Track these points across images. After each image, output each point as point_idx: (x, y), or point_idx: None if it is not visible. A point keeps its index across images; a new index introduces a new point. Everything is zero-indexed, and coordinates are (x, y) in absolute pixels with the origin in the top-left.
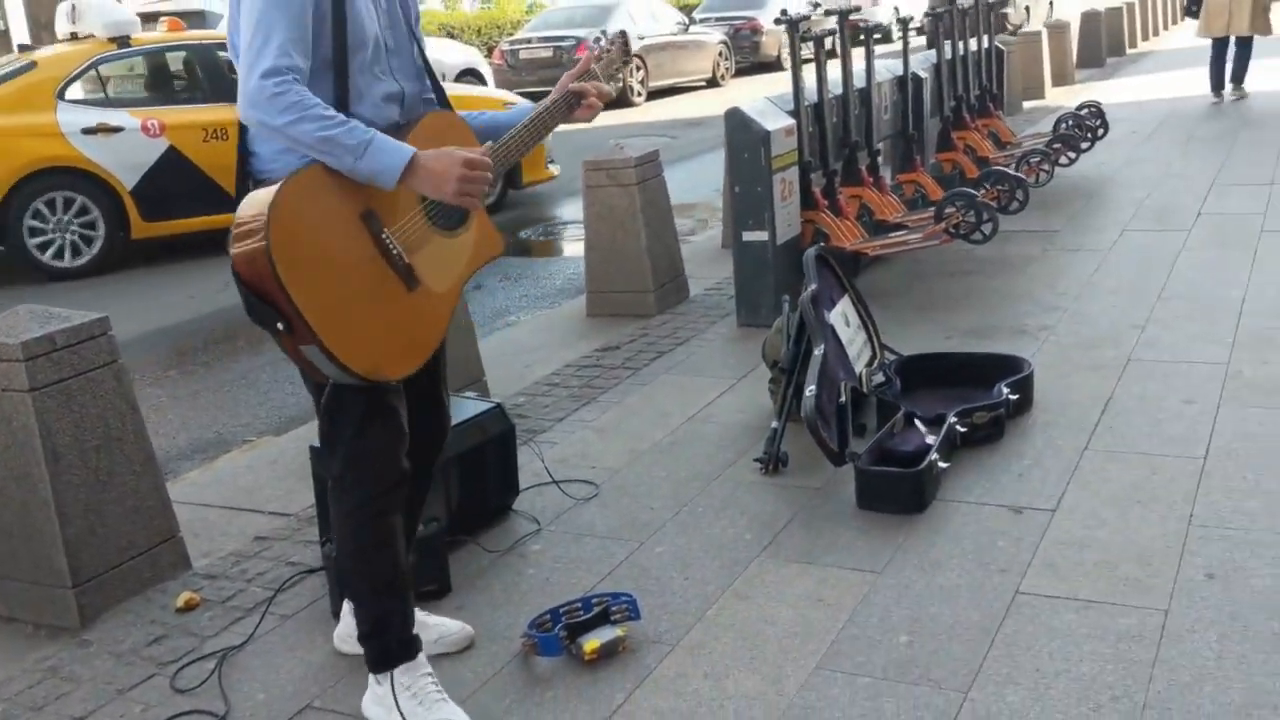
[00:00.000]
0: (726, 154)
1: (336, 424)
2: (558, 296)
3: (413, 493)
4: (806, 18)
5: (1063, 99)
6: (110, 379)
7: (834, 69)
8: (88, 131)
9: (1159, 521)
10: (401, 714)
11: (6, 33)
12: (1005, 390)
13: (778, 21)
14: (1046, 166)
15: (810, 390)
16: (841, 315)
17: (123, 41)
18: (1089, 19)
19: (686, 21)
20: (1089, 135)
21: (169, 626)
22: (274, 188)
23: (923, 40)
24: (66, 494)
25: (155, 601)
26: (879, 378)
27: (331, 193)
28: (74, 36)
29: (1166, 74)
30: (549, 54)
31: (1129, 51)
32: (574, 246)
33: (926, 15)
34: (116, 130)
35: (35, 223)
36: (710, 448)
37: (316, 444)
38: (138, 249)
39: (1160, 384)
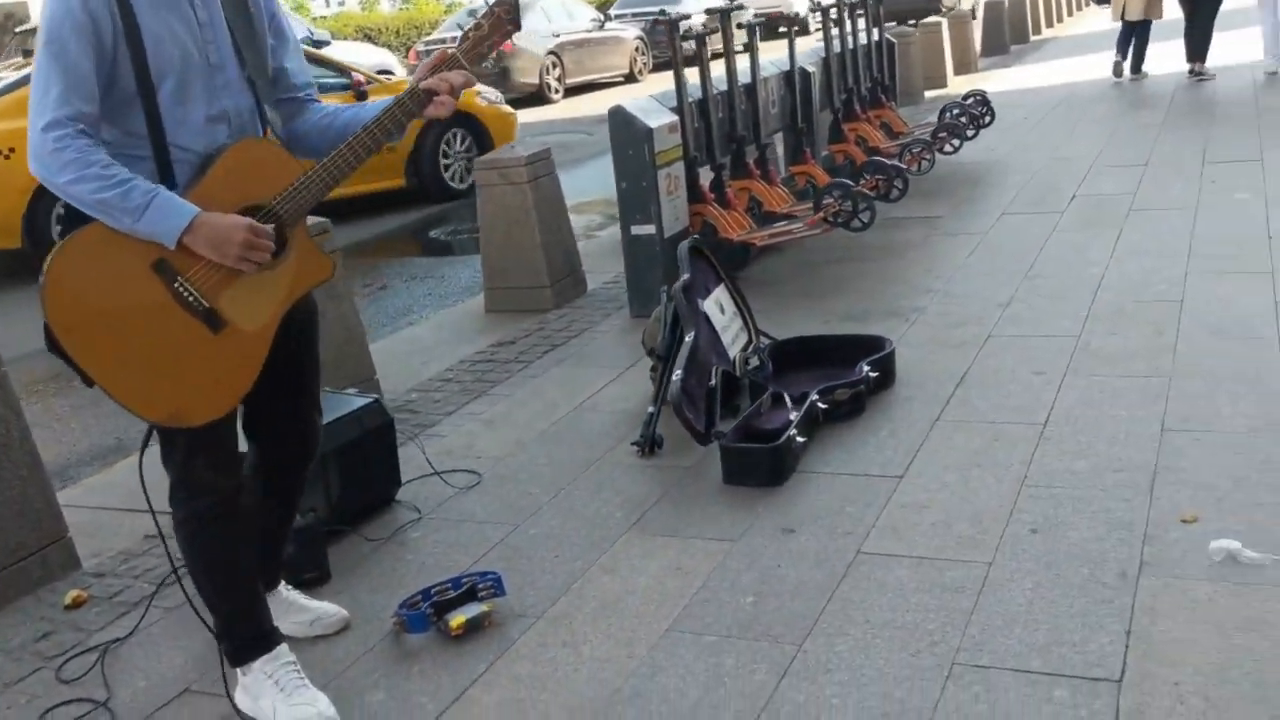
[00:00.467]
0: (612, 151)
1: (167, 448)
2: (462, 294)
3: (287, 492)
4: (729, 11)
5: (965, 88)
6: None
7: (743, 62)
8: None
9: (995, 483)
10: (263, 701)
11: (35, 30)
12: (866, 368)
13: (657, 23)
14: (928, 155)
15: (677, 375)
16: (716, 303)
17: None
18: (992, 8)
19: (602, 18)
20: (975, 124)
21: (57, 623)
22: (57, 247)
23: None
24: None
25: (45, 600)
26: (754, 361)
27: (118, 246)
28: None
29: (1067, 60)
30: None
31: (1033, 39)
32: None
33: (811, 10)
34: None
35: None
36: (593, 434)
37: None
38: None
39: (1014, 357)
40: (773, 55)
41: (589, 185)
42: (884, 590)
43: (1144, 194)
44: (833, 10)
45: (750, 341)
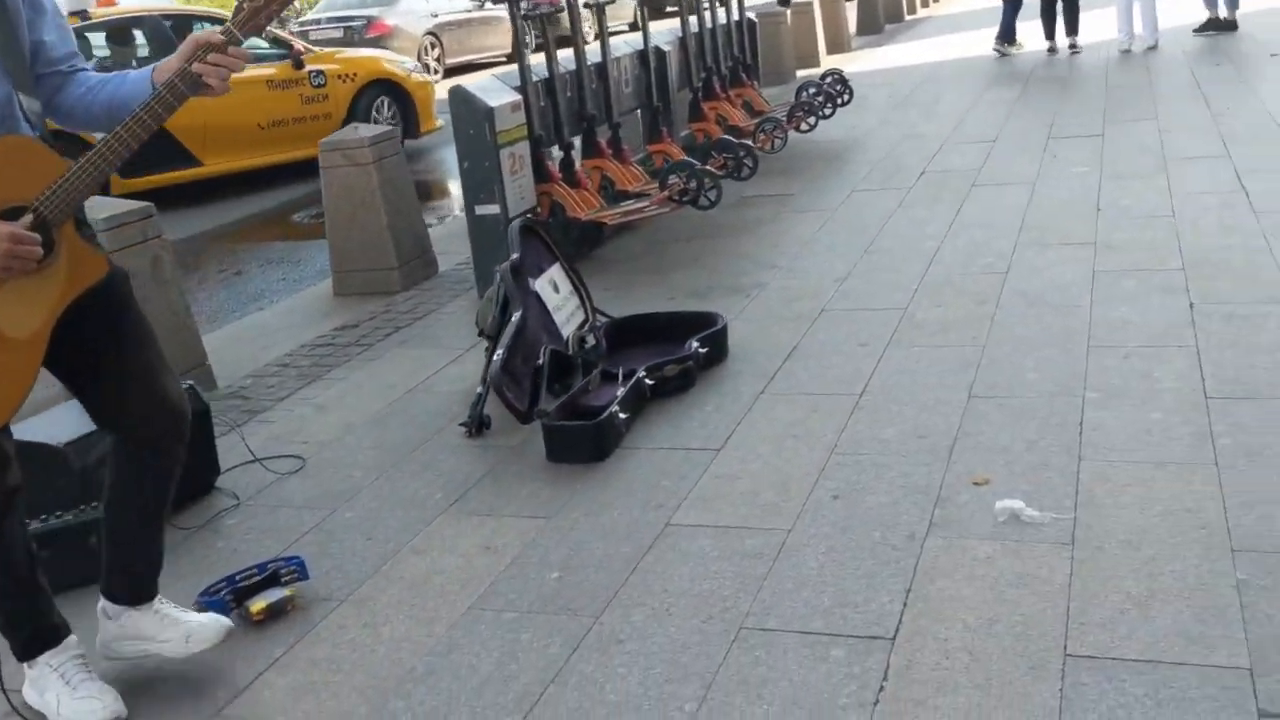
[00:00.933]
0: (454, 131)
1: None
2: (316, 278)
3: (160, 478)
4: None
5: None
6: None
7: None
8: None
9: (806, 453)
10: (48, 695)
11: None
12: (695, 344)
13: (496, 1)
14: (780, 134)
15: (499, 354)
16: (550, 282)
17: (83, 14)
18: None
19: None
20: (831, 103)
21: None
22: None
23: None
24: None
25: None
26: (590, 340)
27: None
28: None
29: (939, 38)
30: (339, 34)
31: (908, 18)
32: None
33: None
34: None
35: None
36: (425, 416)
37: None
38: None
39: (842, 330)
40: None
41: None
42: (686, 560)
43: (989, 169)
44: None
45: (586, 320)
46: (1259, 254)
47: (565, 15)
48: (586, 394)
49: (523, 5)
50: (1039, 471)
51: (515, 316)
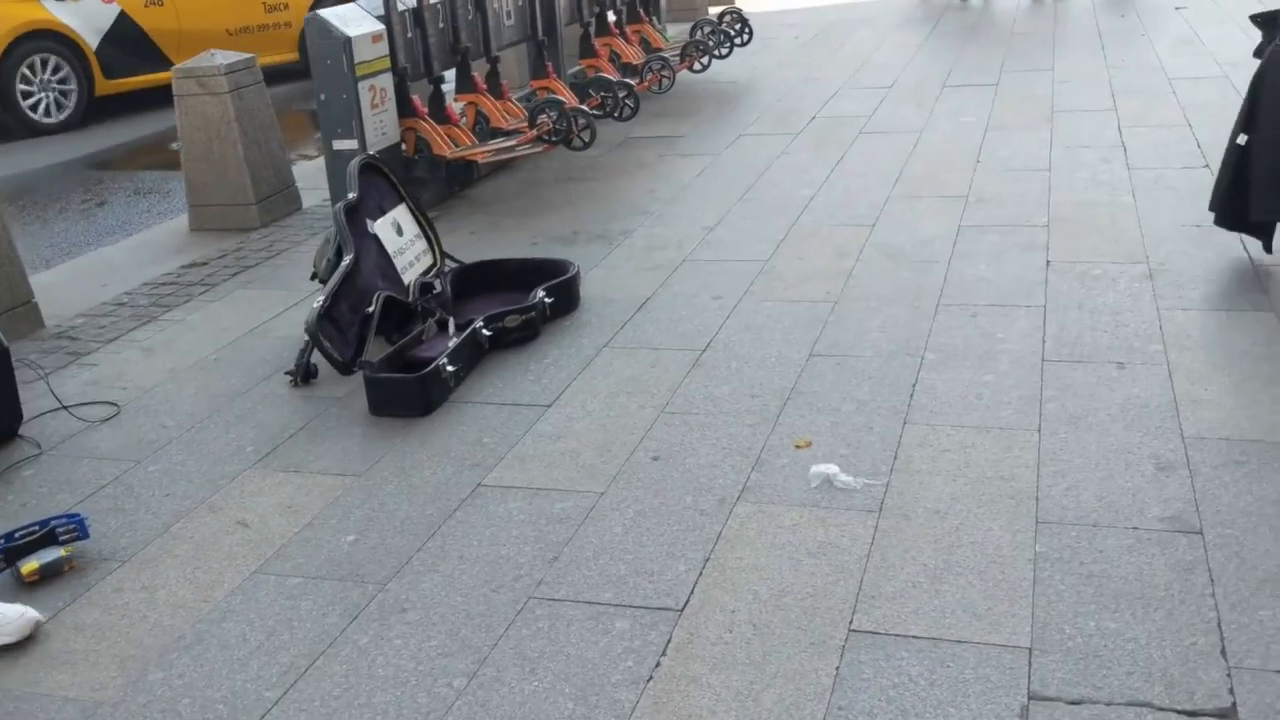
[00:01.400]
0: (311, 61)
1: None
2: (180, 212)
3: None
4: None
5: (754, 6)
6: None
7: None
8: None
9: (636, 411)
10: None
11: None
12: (541, 294)
13: None
14: (667, 74)
15: (320, 301)
16: (393, 224)
17: None
18: None
19: None
20: (728, 42)
21: None
22: None
23: None
24: None
25: None
26: (437, 286)
27: None
28: None
29: None
30: None
31: None
32: None
33: None
34: None
35: (24, 86)
36: (253, 362)
37: None
38: None
39: (700, 282)
40: None
41: None
42: (490, 524)
43: (879, 117)
44: None
45: (434, 265)
46: (1124, 212)
47: None
48: (419, 344)
49: None
50: (862, 434)
51: (346, 260)
